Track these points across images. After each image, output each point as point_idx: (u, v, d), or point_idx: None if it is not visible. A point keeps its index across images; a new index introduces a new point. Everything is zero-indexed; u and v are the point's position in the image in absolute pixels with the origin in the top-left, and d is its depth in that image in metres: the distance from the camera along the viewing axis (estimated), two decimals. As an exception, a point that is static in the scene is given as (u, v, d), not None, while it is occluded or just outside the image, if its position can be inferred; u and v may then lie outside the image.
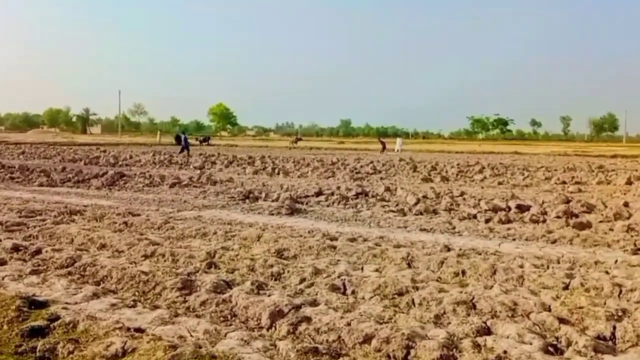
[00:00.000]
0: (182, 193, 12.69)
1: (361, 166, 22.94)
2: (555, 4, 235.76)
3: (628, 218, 8.99)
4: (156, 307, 4.44)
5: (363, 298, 4.82)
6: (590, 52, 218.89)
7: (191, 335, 3.78)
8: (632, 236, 7.74)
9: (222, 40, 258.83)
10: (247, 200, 11.31)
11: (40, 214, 9.01)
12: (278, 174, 19.04)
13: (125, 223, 8.25)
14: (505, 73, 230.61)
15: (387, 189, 13.01)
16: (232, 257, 6.09)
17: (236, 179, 16.62)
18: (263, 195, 11.77)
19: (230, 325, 4.09)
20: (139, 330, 3.84)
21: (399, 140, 49.29)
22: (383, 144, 46.44)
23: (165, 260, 5.97)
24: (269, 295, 4.59)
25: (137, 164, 23.00)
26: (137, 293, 4.87)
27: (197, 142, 54.26)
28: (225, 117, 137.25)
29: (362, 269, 5.79)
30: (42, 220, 8.32)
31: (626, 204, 10.65)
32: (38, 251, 6.25)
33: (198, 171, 18.75)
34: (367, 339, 3.70)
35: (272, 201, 11.13)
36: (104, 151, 33.18)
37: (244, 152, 35.65)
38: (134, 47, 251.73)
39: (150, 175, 16.07)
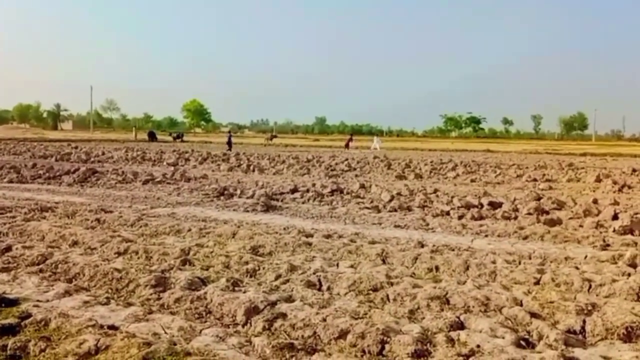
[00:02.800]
0: (155, 190, 12.56)
1: (336, 163, 22.98)
2: (525, 6, 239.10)
3: (597, 215, 9.19)
4: (130, 305, 4.40)
5: (338, 294, 4.84)
6: (561, 53, 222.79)
7: (165, 332, 3.76)
8: (600, 232, 7.92)
9: (197, 37, 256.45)
10: (222, 197, 11.24)
11: (10, 210, 8.82)
12: (253, 170, 18.96)
13: (98, 220, 8.14)
14: (478, 73, 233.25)
15: (362, 186, 13.07)
16: (207, 254, 6.06)
17: (211, 175, 16.51)
18: (238, 192, 11.72)
19: (205, 322, 4.07)
20: (113, 327, 3.80)
21: (376, 138, 49.73)
22: (348, 141, 46.98)
23: (138, 258, 5.91)
24: (244, 292, 4.58)
25: (109, 161, 22.68)
26: (110, 290, 4.81)
27: (171, 139, 53.78)
28: (199, 114, 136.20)
29: (337, 265, 5.82)
30: (12, 217, 8.15)
31: (595, 201, 10.88)
32: (8, 248, 6.13)
33: (172, 168, 18.56)
34: (343, 334, 3.72)
35: (247, 198, 11.09)
36: (76, 147, 32.63)
37: (219, 149, 35.41)
38: (107, 43, 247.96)
39: (123, 172, 15.86)
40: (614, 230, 7.93)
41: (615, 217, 8.78)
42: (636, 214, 9.12)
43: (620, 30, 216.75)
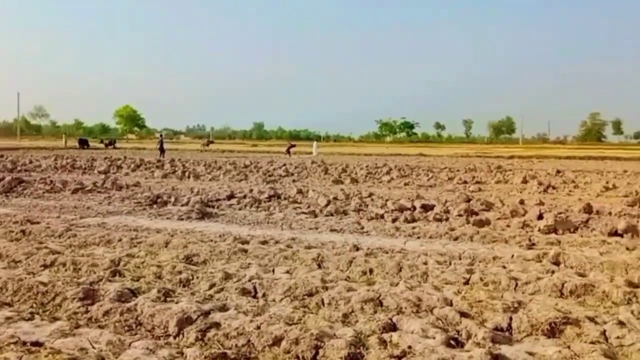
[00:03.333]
0: (85, 199, 12.11)
1: (274, 169, 22.91)
2: (452, 16, 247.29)
3: (523, 215, 9.58)
4: (56, 319, 4.21)
5: (274, 300, 4.82)
6: (489, 60, 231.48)
7: (93, 347, 3.62)
8: (527, 232, 8.26)
9: (131, 41, 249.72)
10: (155, 205, 10.97)
11: None
12: (188, 177, 18.61)
13: (23, 232, 7.76)
14: (411, 80, 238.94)
15: (299, 191, 13.08)
16: (138, 264, 5.89)
17: (143, 183, 16.07)
18: (172, 199, 11.47)
19: (136, 334, 3.95)
20: (37, 344, 3.63)
21: (315, 143, 50.64)
22: (289, 147, 47.16)
23: (66, 270, 5.67)
24: (176, 302, 4.48)
25: (37, 169, 21.66)
26: (35, 305, 4.59)
27: (103, 145, 52.07)
28: (132, 120, 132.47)
29: (273, 271, 5.79)
30: None
31: (522, 202, 11.36)
32: None
33: (102, 176, 17.96)
34: (277, 341, 3.70)
35: (182, 205, 10.88)
36: (1, 156, 31.00)
37: (152, 155, 34.58)
38: (35, 48, 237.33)
39: (51, 181, 15.19)
40: (539, 230, 8.28)
41: (540, 217, 9.18)
42: (560, 213, 9.57)
43: (542, 43, 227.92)
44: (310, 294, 4.89)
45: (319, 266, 6.06)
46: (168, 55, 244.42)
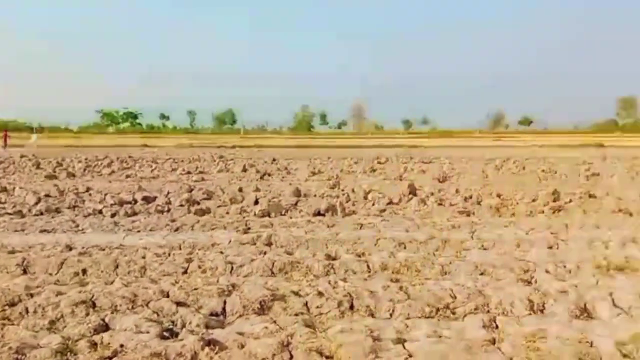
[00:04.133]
0: None
1: (-32, 165, 19.85)
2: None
3: (241, 201, 10.08)
4: None
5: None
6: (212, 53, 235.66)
7: None
8: (244, 217, 8.71)
9: None
10: None
11: None
12: None
13: None
14: (134, 67, 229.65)
15: (4, 189, 11.66)
16: None
17: None
18: None
19: None
20: None
21: (34, 135, 48.94)
22: (5, 137, 41.88)
23: None
24: None
25: None
26: None
27: None
28: None
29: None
30: None
31: (241, 189, 11.93)
32: None
33: None
34: (-34, 363, 3.25)
35: None
36: None
37: None
38: None
39: None
40: (254, 215, 8.81)
41: (256, 202, 9.78)
42: (273, 198, 10.34)
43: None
44: (13, 304, 4.40)
45: (25, 272, 5.50)
46: None
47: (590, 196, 10.69)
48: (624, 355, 3.35)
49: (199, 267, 5.50)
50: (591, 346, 3.49)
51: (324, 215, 8.88)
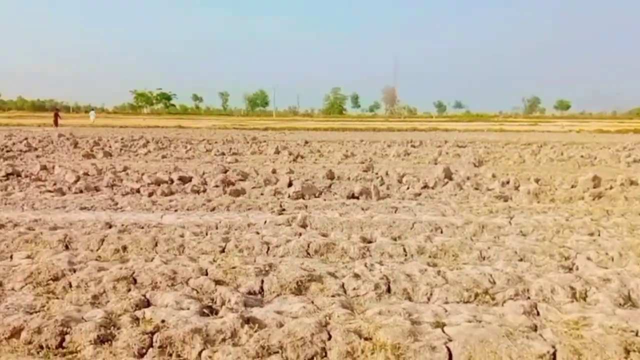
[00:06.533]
0: None
1: (13, 143, 20.38)
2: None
3: (275, 183, 10.11)
4: None
5: (13, 289, 4.33)
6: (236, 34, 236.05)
7: None
8: (278, 199, 8.74)
9: None
10: None
11: None
12: None
13: None
14: (166, 49, 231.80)
15: (44, 168, 11.92)
16: None
17: None
18: None
19: None
20: None
21: (92, 113, 54.55)
22: (56, 118, 43.42)
23: None
24: None
25: None
26: None
27: None
28: None
29: (11, 257, 5.20)
30: None
31: (274, 171, 11.98)
32: None
33: None
34: (16, 333, 3.35)
35: None
36: None
37: None
38: None
39: None
40: (288, 196, 8.84)
41: (290, 184, 9.79)
42: (307, 180, 10.34)
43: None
44: (56, 278, 4.51)
45: (67, 247, 5.63)
46: None
47: (632, 183, 10.39)
48: (671, 346, 3.25)
49: (236, 246, 5.54)
50: (636, 335, 3.40)
51: (357, 198, 8.84)
